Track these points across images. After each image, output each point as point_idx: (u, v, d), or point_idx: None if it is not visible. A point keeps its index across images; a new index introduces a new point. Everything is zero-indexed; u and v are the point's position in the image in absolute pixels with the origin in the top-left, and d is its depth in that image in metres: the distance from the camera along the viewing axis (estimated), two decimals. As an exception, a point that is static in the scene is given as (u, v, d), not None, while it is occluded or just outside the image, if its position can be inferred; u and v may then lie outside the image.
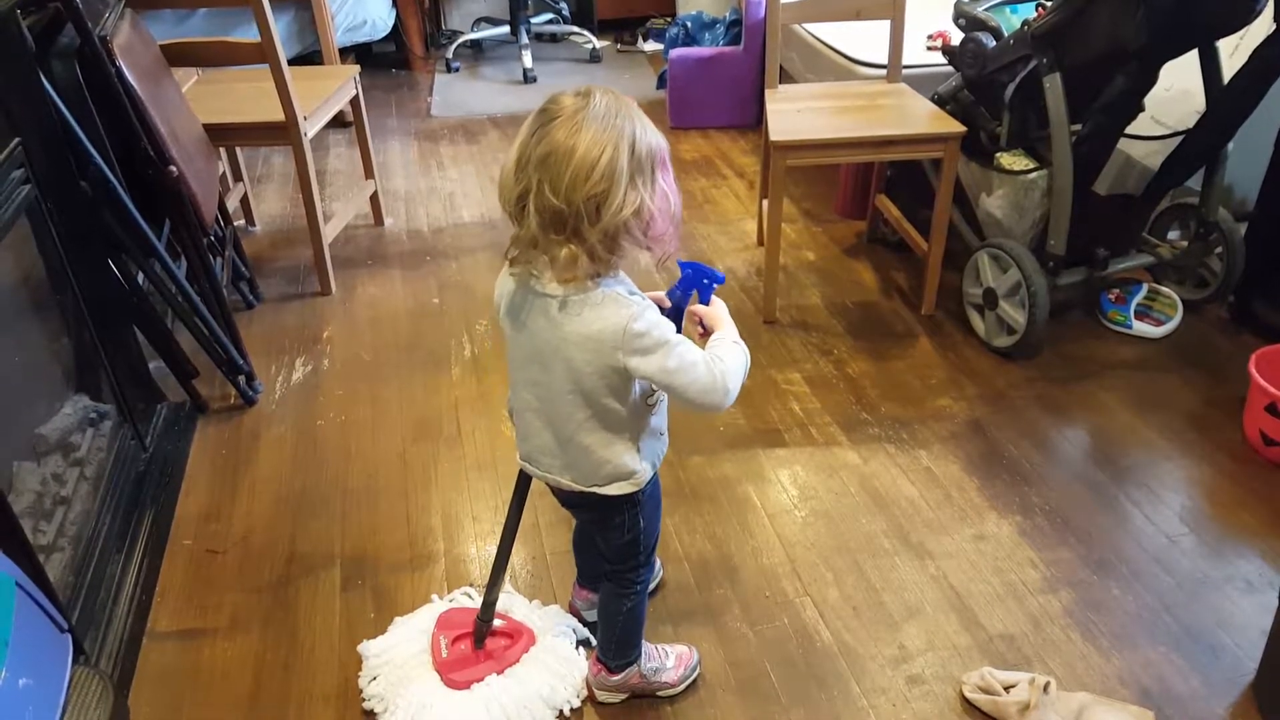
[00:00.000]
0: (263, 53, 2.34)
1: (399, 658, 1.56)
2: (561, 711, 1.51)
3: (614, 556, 1.43)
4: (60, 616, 1.29)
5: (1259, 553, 1.78)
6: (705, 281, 1.31)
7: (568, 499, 1.38)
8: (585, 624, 1.64)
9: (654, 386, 1.25)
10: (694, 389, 1.20)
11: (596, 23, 4.98)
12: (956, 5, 2.42)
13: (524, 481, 1.46)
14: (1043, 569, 1.76)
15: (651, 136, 1.14)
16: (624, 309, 1.16)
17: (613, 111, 1.11)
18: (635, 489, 1.31)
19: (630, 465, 1.29)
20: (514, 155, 1.13)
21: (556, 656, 1.56)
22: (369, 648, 1.59)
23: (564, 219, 1.10)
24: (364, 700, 1.53)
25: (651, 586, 1.69)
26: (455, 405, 2.25)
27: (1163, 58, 2.08)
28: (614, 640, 1.49)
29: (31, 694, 1.12)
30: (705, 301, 1.33)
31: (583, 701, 1.53)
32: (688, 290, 1.32)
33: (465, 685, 1.51)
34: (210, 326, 2.15)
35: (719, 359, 1.23)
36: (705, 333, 1.31)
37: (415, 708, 1.48)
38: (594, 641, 1.58)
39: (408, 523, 1.91)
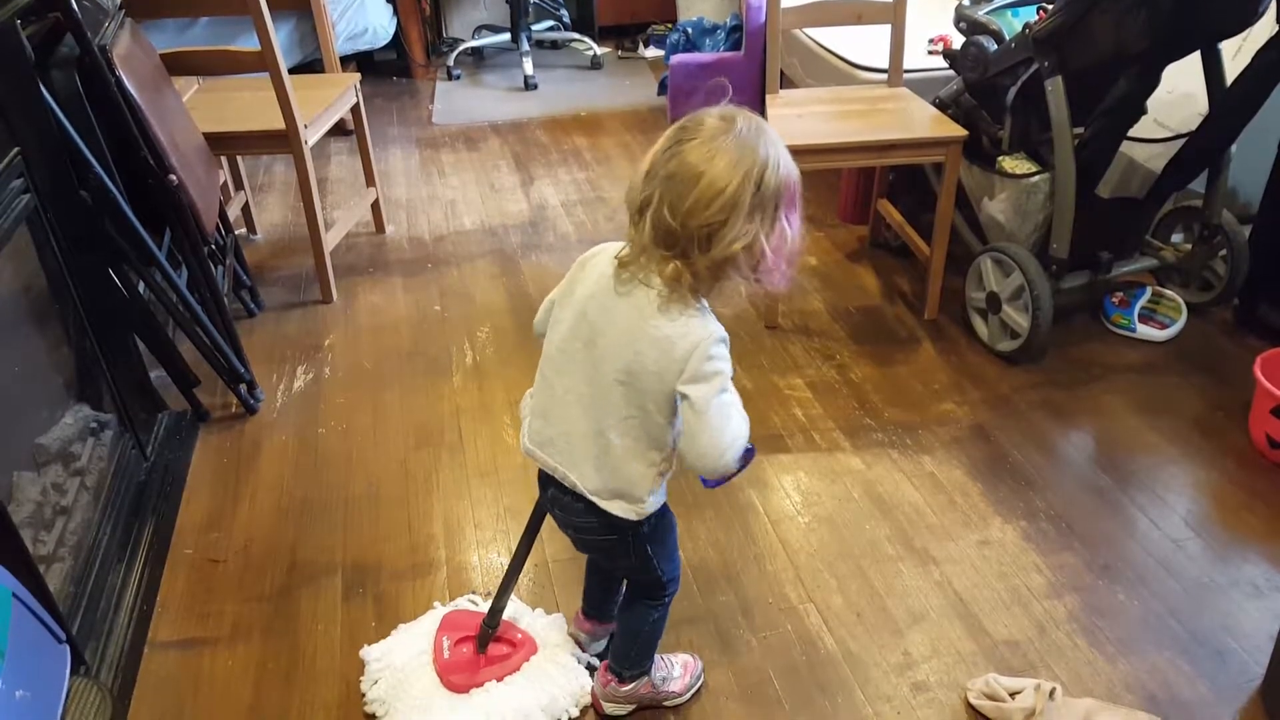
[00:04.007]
0: (263, 61, 2.35)
1: (400, 660, 1.56)
2: (560, 721, 1.50)
3: (644, 583, 1.43)
4: (58, 627, 1.29)
5: (1265, 557, 1.77)
6: None
7: (580, 535, 1.37)
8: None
9: (677, 414, 1.21)
10: (710, 435, 1.16)
11: (597, 29, 4.99)
12: (958, 9, 2.42)
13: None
14: (1047, 574, 1.75)
15: (784, 172, 1.13)
16: (708, 326, 1.17)
17: (751, 143, 1.10)
18: (637, 518, 1.29)
19: (641, 491, 1.27)
20: (647, 162, 1.14)
21: (557, 666, 1.55)
22: (370, 652, 1.59)
23: (675, 239, 1.11)
24: (365, 704, 1.53)
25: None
26: (457, 412, 2.24)
27: (1165, 60, 2.08)
28: (635, 650, 1.47)
29: (29, 706, 1.11)
30: None
31: (581, 712, 1.52)
32: None
33: (464, 689, 1.50)
34: (211, 335, 2.15)
35: (742, 421, 1.19)
36: None
37: (414, 711, 1.47)
38: (596, 664, 1.57)
39: (409, 530, 1.90)
